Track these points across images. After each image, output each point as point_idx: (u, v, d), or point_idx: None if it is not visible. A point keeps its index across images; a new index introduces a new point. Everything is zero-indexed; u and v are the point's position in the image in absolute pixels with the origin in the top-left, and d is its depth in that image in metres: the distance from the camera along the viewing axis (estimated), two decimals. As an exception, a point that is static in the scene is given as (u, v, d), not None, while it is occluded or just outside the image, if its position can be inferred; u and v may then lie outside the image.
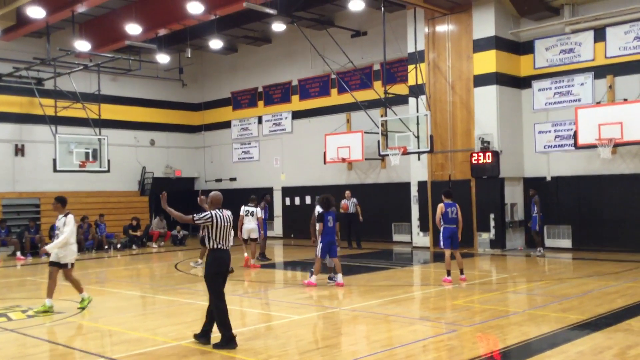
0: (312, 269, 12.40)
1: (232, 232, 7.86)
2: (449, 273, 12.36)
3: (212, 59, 28.77)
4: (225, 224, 7.73)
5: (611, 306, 9.55)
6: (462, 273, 12.52)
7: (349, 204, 19.81)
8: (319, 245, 12.14)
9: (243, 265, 15.29)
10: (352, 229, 20.26)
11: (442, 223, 12.48)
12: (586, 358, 6.66)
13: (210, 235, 7.65)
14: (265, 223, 17.25)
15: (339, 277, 12.15)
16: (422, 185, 19.83)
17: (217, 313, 7.55)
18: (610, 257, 16.03)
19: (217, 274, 7.67)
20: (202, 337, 7.70)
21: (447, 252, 12.48)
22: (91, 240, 21.84)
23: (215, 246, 7.66)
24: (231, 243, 7.83)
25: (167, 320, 9.54)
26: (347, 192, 20.20)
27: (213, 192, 8.02)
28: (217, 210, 7.77)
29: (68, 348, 7.73)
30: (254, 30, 25.11)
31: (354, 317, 9.40)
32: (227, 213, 7.86)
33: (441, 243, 12.58)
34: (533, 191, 17.29)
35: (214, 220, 7.62)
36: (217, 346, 7.48)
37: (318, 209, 12.28)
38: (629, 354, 6.78)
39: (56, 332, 8.65)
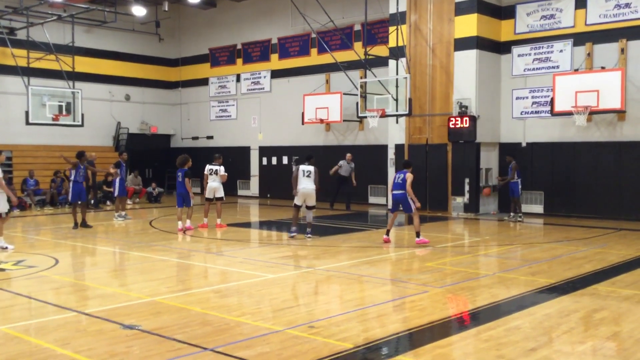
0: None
1: None
2: (388, 232, 12.76)
3: (190, 14, 28.17)
4: None
5: (579, 271, 9.78)
6: (418, 236, 12.53)
7: (347, 166, 19.84)
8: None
9: (199, 226, 15.15)
10: (342, 190, 20.20)
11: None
12: (553, 320, 6.83)
13: None
14: (122, 182, 17.52)
15: (188, 222, 14.61)
16: (399, 148, 19.87)
17: None
18: (580, 223, 16.34)
19: None
20: None
21: (393, 215, 13.02)
22: (64, 195, 21.62)
23: None
24: None
25: (141, 277, 9.54)
26: (348, 155, 20.13)
27: None
28: None
29: (41, 302, 7.69)
30: (234, -15, 24.61)
31: (327, 277, 9.49)
32: None
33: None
34: (509, 157, 17.26)
35: None
36: None
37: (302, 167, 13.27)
38: (595, 317, 6.97)
39: (29, 286, 8.60)
